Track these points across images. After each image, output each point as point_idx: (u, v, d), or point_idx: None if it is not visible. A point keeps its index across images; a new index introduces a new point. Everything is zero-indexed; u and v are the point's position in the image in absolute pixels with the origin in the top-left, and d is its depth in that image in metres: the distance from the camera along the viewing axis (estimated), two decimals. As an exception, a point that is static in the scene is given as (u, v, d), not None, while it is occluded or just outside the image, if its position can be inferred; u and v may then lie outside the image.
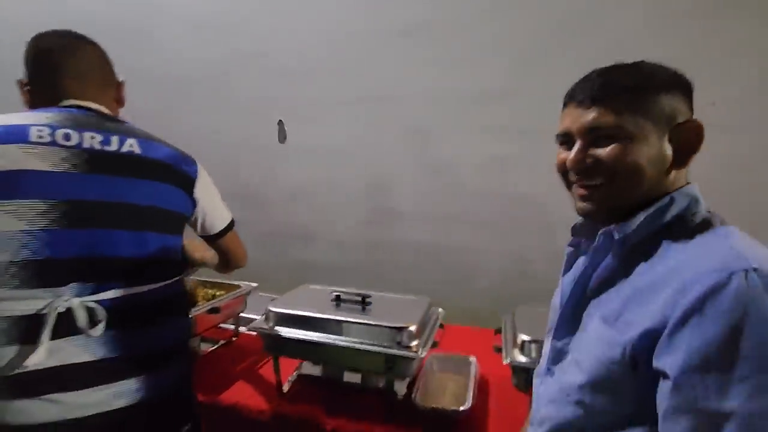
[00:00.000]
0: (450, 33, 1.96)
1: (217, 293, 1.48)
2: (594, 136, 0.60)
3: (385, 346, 1.08)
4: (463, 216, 2.07)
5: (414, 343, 1.08)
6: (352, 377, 1.27)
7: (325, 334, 1.12)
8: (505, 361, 1.02)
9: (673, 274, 0.53)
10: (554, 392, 0.66)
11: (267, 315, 1.19)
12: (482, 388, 1.26)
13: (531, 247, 1.95)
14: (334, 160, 2.22)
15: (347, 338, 1.11)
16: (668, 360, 0.50)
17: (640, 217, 0.59)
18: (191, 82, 2.38)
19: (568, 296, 0.68)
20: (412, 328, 1.09)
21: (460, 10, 1.94)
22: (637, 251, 0.60)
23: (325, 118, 2.19)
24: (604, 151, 0.59)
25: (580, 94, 0.61)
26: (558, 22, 1.81)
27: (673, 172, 0.61)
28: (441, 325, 1.26)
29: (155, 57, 2.39)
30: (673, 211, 0.59)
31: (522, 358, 1.03)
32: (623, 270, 0.60)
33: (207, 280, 1.55)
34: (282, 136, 2.33)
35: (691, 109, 0.62)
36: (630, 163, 0.58)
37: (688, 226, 0.58)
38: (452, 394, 1.19)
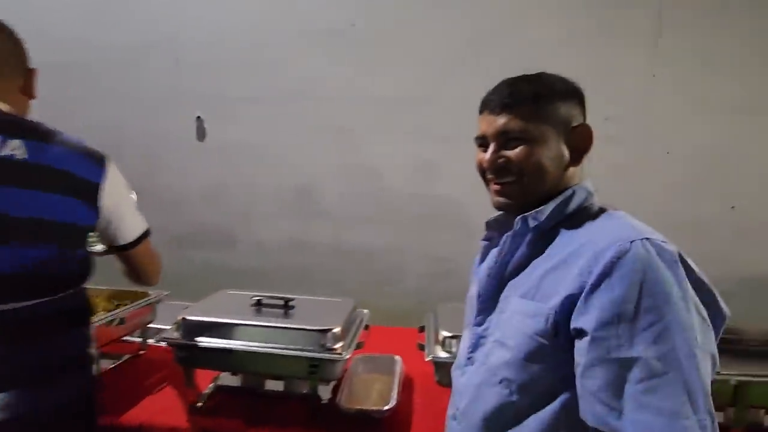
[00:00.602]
0: (375, 37, 1.98)
1: (123, 303, 1.34)
2: (504, 138, 0.68)
3: (308, 350, 1.05)
4: (388, 217, 2.09)
5: (338, 345, 1.07)
6: (274, 385, 1.21)
7: (244, 342, 1.07)
8: (427, 358, 1.05)
9: (585, 247, 0.61)
10: (479, 378, 0.68)
11: (178, 324, 1.10)
12: (407, 386, 1.27)
13: (454, 246, 2.02)
14: (257, 159, 2.14)
15: (268, 344, 1.07)
16: (585, 318, 0.56)
17: (551, 206, 0.67)
18: (92, 70, 2.15)
19: (486, 283, 0.72)
20: (337, 330, 1.07)
21: (384, 16, 1.97)
22: (548, 236, 0.68)
23: (247, 116, 2.10)
24: (513, 153, 0.68)
25: (492, 102, 0.70)
26: (476, 34, 1.92)
27: (570, 170, 0.70)
28: (366, 327, 1.26)
29: (46, 41, 2.12)
30: (576, 201, 0.68)
31: (443, 354, 1.06)
32: (537, 252, 0.68)
33: (111, 288, 1.39)
34: (201, 134, 2.19)
35: (584, 115, 0.72)
36: (535, 162, 0.67)
37: (588, 213, 0.68)
38: (378, 394, 1.19)
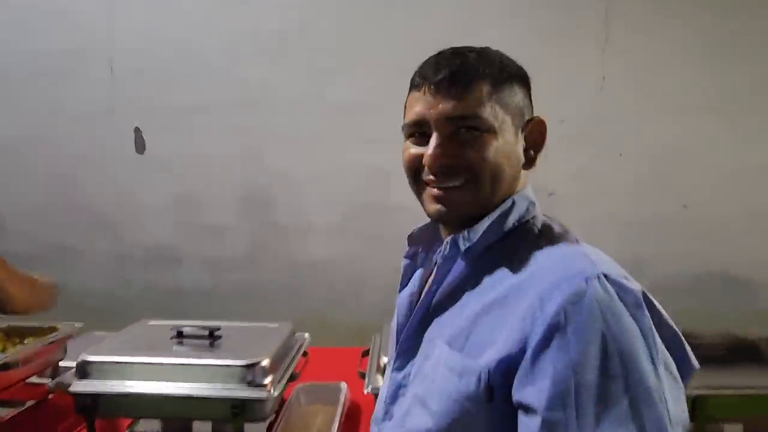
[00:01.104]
0: (325, 41, 1.89)
1: (24, 340, 1.17)
2: (453, 127, 0.52)
3: (231, 388, 0.92)
4: (344, 228, 2.00)
5: (267, 380, 0.94)
6: (202, 426, 1.08)
7: (155, 383, 0.93)
8: (366, 390, 0.94)
9: (527, 283, 0.48)
10: None
11: (79, 366, 0.95)
12: (352, 416, 1.16)
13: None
14: (203, 170, 1.99)
15: (186, 384, 0.93)
16: (532, 391, 0.43)
17: (485, 224, 0.54)
18: (11, 79, 1.96)
19: (408, 316, 0.60)
20: (265, 363, 0.95)
21: (335, 20, 1.88)
22: (482, 261, 0.54)
23: (191, 126, 1.96)
24: (466, 148, 0.52)
25: (436, 76, 0.52)
26: (428, 38, 1.82)
27: (522, 173, 0.57)
28: (305, 354, 1.14)
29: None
30: (515, 215, 0.55)
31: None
32: (469, 283, 0.55)
33: (11, 324, 1.22)
34: (140, 146, 2.03)
35: (532, 106, 0.59)
36: (493, 162, 0.52)
37: (531, 232, 0.55)
38: (319, 427, 1.07)
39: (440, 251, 0.56)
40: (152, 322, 1.18)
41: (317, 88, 1.91)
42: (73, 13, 1.91)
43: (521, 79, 0.56)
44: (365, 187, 1.97)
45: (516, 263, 0.51)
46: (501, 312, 0.48)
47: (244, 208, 2.01)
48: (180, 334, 1.06)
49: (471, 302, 0.53)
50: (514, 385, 0.45)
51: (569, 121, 1.72)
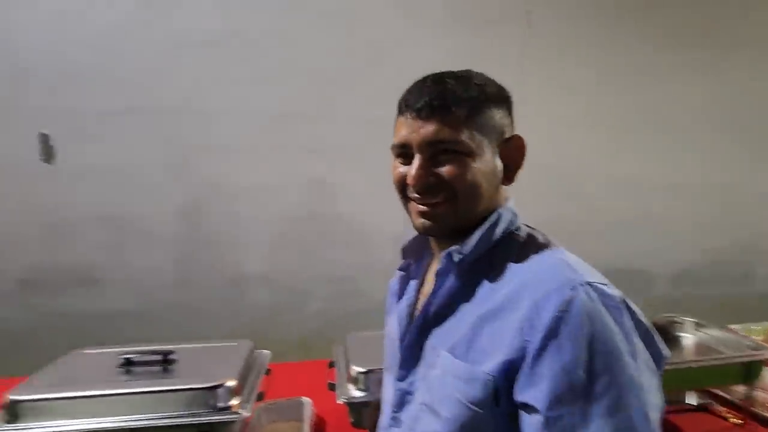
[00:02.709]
0: (258, 49, 1.84)
1: None
2: (434, 150, 0.56)
3: (196, 414, 0.87)
4: (283, 239, 1.95)
5: (234, 401, 0.90)
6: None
7: (109, 418, 0.84)
8: (339, 400, 0.94)
9: (520, 294, 0.52)
10: None
11: (6, 408, 0.82)
12: (320, 431, 1.14)
13: (356, 266, 1.96)
14: (125, 182, 1.83)
15: (145, 415, 0.85)
16: (533, 392, 0.48)
17: (476, 236, 0.58)
18: None
19: (407, 327, 0.62)
20: (230, 383, 0.91)
21: (268, 27, 1.85)
22: (474, 272, 0.58)
23: (111, 133, 1.79)
24: (445, 169, 0.56)
25: (418, 104, 0.56)
26: (363, 47, 1.89)
27: (501, 188, 0.62)
28: (267, 371, 1.10)
29: None
30: (501, 227, 0.59)
31: (357, 393, 0.96)
32: (464, 294, 0.58)
33: None
34: (47, 154, 1.80)
35: (513, 125, 0.63)
36: (470, 180, 0.56)
37: (516, 242, 0.59)
38: (285, 446, 1.05)
39: (436, 263, 0.60)
40: (88, 351, 1.06)
41: (250, 97, 1.86)
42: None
43: (500, 100, 0.60)
44: (306, 197, 1.95)
45: (507, 273, 0.56)
46: (499, 321, 0.53)
47: (172, 222, 1.88)
48: (129, 362, 0.96)
49: (468, 312, 0.56)
50: (516, 387, 0.50)
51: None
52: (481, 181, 0.57)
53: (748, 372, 1.05)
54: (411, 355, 0.61)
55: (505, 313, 0.52)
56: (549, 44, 2.03)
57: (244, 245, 1.93)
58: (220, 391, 0.89)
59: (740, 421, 1.10)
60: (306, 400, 1.18)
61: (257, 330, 1.76)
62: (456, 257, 0.58)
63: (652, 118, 2.15)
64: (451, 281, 0.59)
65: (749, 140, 2.25)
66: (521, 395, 0.50)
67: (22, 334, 1.75)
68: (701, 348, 1.19)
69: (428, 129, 0.56)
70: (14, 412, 0.82)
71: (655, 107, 2.15)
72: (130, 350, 0.98)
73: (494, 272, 0.57)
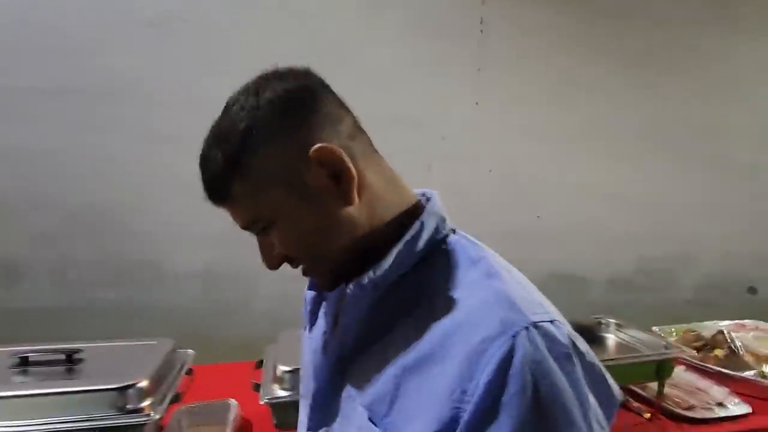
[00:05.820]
0: (207, 34, 1.76)
1: None
2: (254, 231, 0.52)
3: (100, 417, 0.80)
4: (227, 235, 1.86)
5: (145, 403, 0.84)
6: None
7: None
8: (262, 401, 0.90)
9: (451, 340, 0.44)
10: None
11: None
12: (244, 434, 1.10)
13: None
14: (54, 168, 1.68)
15: (41, 420, 0.78)
16: None
17: (392, 255, 0.48)
18: None
19: (321, 366, 0.55)
20: (142, 384, 0.84)
21: (219, 12, 1.78)
22: (394, 296, 0.49)
23: (41, 114, 1.64)
24: (276, 245, 0.51)
25: (206, 191, 0.51)
26: (319, 46, 1.86)
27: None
28: (189, 371, 1.04)
29: None
30: (424, 238, 0.50)
31: (281, 393, 0.93)
32: (384, 323, 0.50)
33: None
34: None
35: (326, 124, 0.49)
36: (298, 243, 0.50)
37: (443, 258, 0.50)
38: (206, 451, 0.99)
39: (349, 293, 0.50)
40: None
41: (198, 85, 1.77)
42: None
43: (269, 137, 0.47)
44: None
45: (436, 301, 0.47)
46: (425, 375, 0.45)
47: (102, 214, 1.76)
48: (24, 361, 0.88)
49: (392, 351, 0.48)
50: None
51: (450, 139, 1.90)
52: (309, 233, 0.49)
53: (660, 370, 1.12)
54: (326, 402, 0.54)
55: (433, 365, 0.44)
56: (504, 55, 2.08)
57: (187, 241, 1.83)
58: (130, 392, 0.83)
59: (648, 415, 1.16)
60: (232, 402, 1.14)
61: (198, 331, 1.67)
62: (366, 280, 0.48)
63: (597, 131, 2.25)
64: (366, 308, 0.50)
65: (682, 157, 2.41)
66: None
67: None
68: (621, 347, 1.26)
69: (230, 214, 0.51)
70: None
71: (600, 121, 2.26)
72: (29, 349, 0.90)
73: (420, 298, 0.49)
